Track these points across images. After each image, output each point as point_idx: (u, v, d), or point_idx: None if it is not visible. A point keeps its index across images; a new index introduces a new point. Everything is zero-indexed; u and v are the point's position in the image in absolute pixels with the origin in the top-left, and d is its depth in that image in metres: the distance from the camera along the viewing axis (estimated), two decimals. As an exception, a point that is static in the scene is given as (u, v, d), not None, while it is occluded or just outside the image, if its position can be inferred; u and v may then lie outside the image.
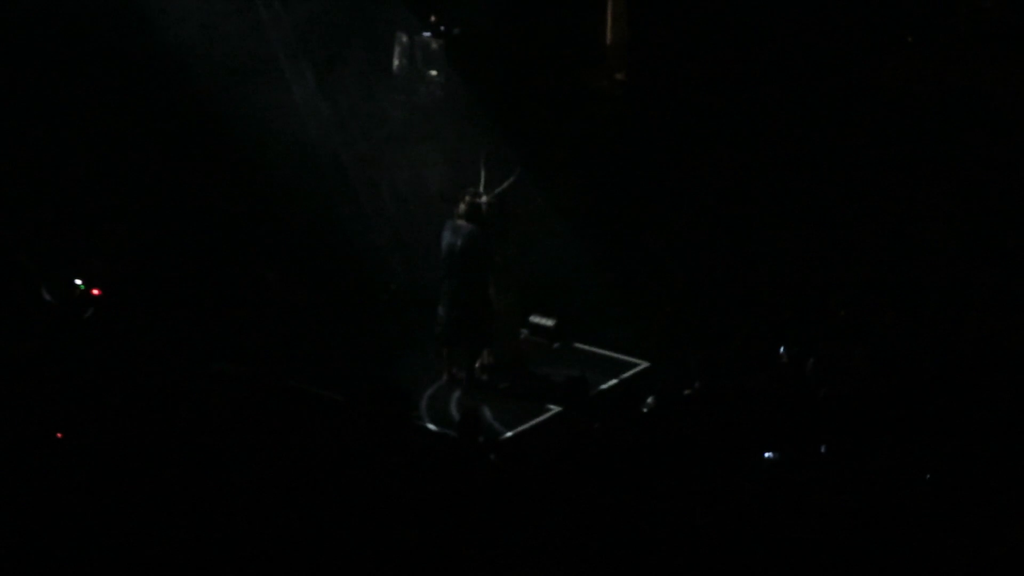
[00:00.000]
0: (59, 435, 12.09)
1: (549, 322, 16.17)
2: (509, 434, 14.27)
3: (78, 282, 14.62)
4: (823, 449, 11.91)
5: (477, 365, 15.28)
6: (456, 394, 15.04)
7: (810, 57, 16.64)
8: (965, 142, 16.05)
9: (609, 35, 17.50)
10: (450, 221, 14.95)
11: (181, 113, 15.82)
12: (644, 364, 15.56)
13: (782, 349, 13.71)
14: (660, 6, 17.26)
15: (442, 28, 16.51)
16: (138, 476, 11.45)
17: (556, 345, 16.12)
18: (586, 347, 16.03)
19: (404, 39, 16.54)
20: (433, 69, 16.55)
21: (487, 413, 14.48)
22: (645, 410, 12.99)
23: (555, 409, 14.63)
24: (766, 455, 11.89)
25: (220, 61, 15.87)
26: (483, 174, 15.08)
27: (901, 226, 16.04)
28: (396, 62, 16.57)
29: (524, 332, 16.12)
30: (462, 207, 14.87)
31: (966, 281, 15.42)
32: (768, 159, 16.65)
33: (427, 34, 16.52)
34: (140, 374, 13.50)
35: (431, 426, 14.42)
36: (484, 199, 14.92)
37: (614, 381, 15.27)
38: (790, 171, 16.60)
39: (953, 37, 16.52)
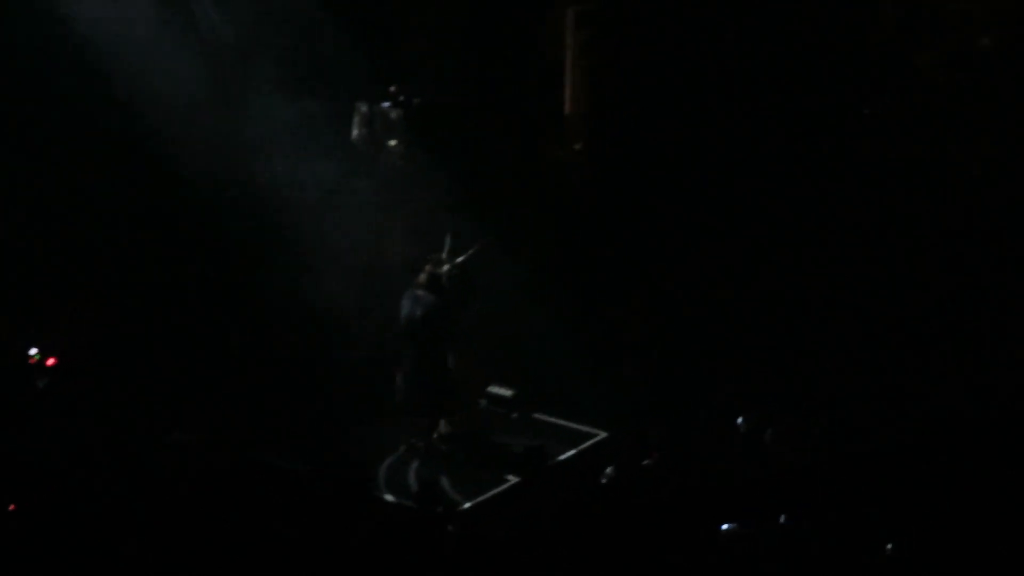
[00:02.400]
0: (11, 507, 11.99)
1: (508, 392, 16.15)
2: (468, 505, 14.20)
3: (33, 351, 14.52)
4: (782, 520, 11.89)
5: (435, 435, 15.23)
6: (415, 464, 14.98)
7: (766, 127, 16.74)
8: (921, 211, 16.17)
9: (568, 105, 17.60)
10: (410, 290, 14.94)
11: (137, 181, 15.79)
12: (603, 434, 15.54)
13: (740, 419, 13.73)
14: (619, 77, 17.36)
15: (402, 98, 16.56)
16: (95, 546, 11.36)
17: (515, 415, 16.09)
18: (545, 417, 16.00)
19: (364, 109, 16.58)
20: (393, 139, 16.60)
21: (446, 483, 14.42)
22: (604, 481, 12.97)
23: (514, 479, 14.57)
24: (724, 526, 11.87)
25: (182, 133, 15.84)
26: (448, 243, 15.09)
27: (861, 297, 16.10)
28: (355, 131, 16.61)
29: (483, 402, 16.08)
30: (422, 277, 14.88)
31: (927, 349, 15.48)
32: (726, 228, 16.71)
33: (387, 104, 16.57)
34: (97, 444, 13.40)
35: (389, 497, 14.34)
36: (445, 268, 14.93)
37: (573, 451, 15.24)
38: (747, 241, 16.66)
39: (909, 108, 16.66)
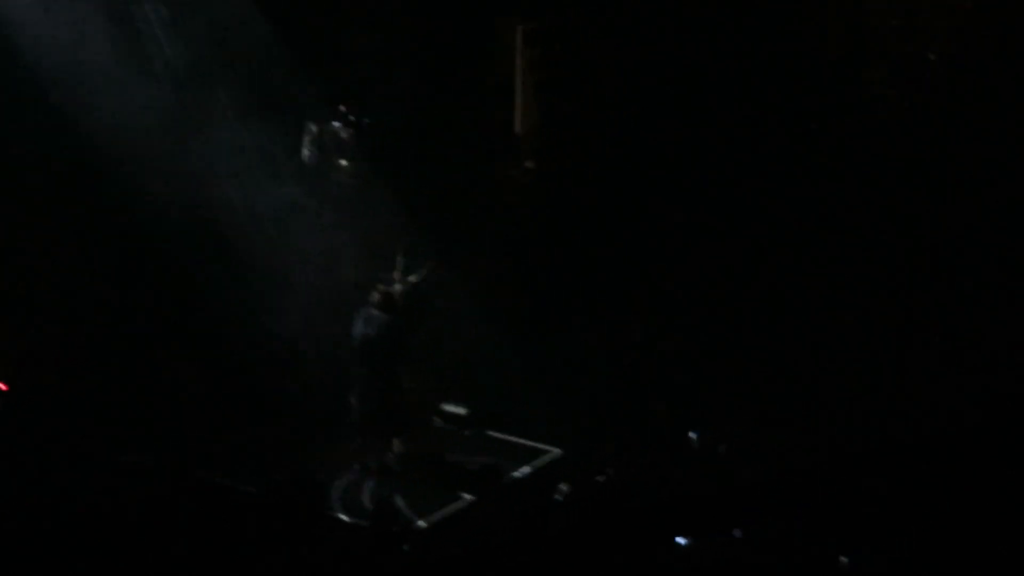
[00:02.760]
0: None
1: (461, 410, 16.15)
2: (423, 523, 14.19)
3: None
4: (737, 534, 11.94)
5: (390, 454, 15.21)
6: (369, 484, 14.95)
7: (714, 142, 16.82)
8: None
9: (518, 124, 17.64)
10: (363, 310, 14.94)
11: (90, 206, 15.73)
12: (556, 451, 15.56)
13: (693, 434, 13.77)
14: (569, 93, 17.42)
15: (351, 118, 16.56)
16: (50, 569, 11.30)
17: (468, 433, 16.09)
18: (499, 435, 16.01)
19: (313, 128, 16.58)
20: (343, 158, 16.59)
21: (401, 502, 14.41)
22: (559, 498, 12.98)
23: (468, 498, 14.57)
24: (679, 541, 11.90)
25: (126, 146, 15.76)
26: (400, 263, 15.09)
27: (814, 308, 16.18)
28: (306, 151, 16.59)
29: (437, 420, 16.08)
30: (375, 296, 14.88)
31: (884, 362, 15.57)
32: (677, 243, 16.78)
33: (337, 123, 16.57)
34: (47, 467, 13.33)
35: (344, 517, 14.31)
36: (398, 288, 14.93)
37: (527, 469, 15.26)
38: (696, 253, 16.73)
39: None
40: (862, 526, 12.06)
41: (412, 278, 15.11)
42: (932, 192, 16.03)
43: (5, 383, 14.55)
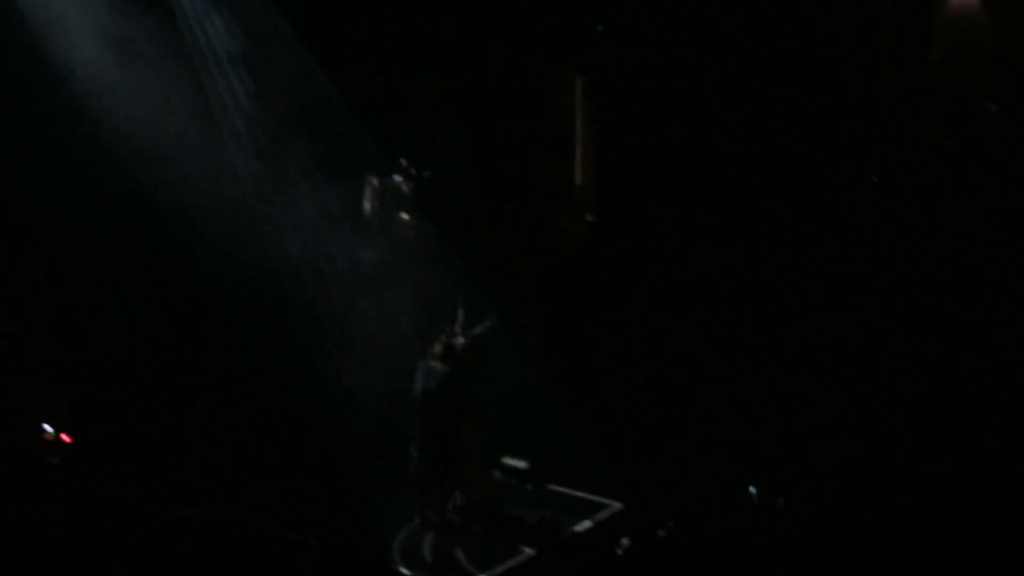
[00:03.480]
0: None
1: (522, 463, 16.14)
2: (483, 577, 14.21)
3: (48, 428, 14.56)
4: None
5: (450, 507, 15.22)
6: (429, 537, 14.96)
7: (774, 195, 16.81)
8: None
9: (578, 176, 17.68)
10: (423, 363, 14.99)
11: (157, 263, 15.92)
12: (618, 505, 15.52)
13: (752, 489, 13.71)
14: (629, 146, 17.44)
15: (412, 171, 16.65)
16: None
17: (529, 486, 16.06)
18: (559, 488, 15.98)
19: (375, 182, 16.68)
20: (404, 211, 16.67)
21: (460, 556, 14.40)
22: (619, 551, 12.95)
23: (529, 551, 14.55)
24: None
25: (190, 198, 15.94)
26: (461, 315, 15.14)
27: (872, 367, 16.13)
28: (367, 204, 16.69)
29: (497, 473, 16.08)
30: (437, 348, 14.92)
31: (930, 416, 15.50)
32: (738, 297, 16.76)
33: (398, 177, 16.67)
34: (109, 520, 13.40)
35: (404, 570, 14.31)
36: (460, 340, 14.97)
37: (588, 523, 15.22)
38: (760, 307, 16.71)
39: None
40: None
41: (472, 331, 15.14)
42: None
43: (69, 435, 14.64)
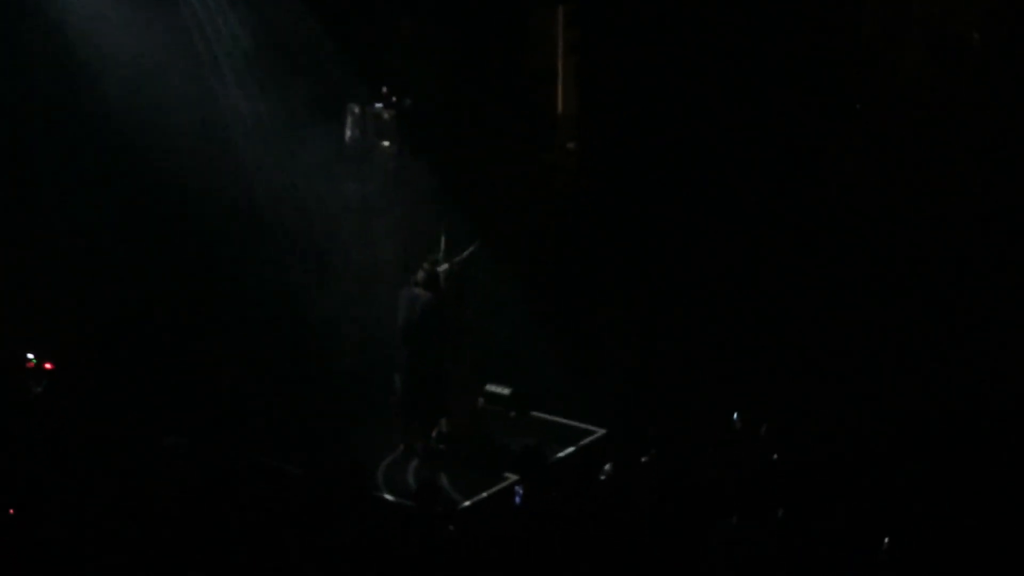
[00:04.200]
0: (11, 511, 11.99)
1: (505, 391, 16.18)
2: (467, 503, 14.24)
3: (30, 356, 14.53)
4: (780, 515, 11.92)
5: (434, 434, 15.25)
6: (413, 464, 15.01)
7: (760, 124, 16.76)
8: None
9: (560, 105, 17.61)
10: (406, 290, 14.96)
11: (135, 189, 15.84)
12: (601, 431, 15.57)
13: (736, 415, 13.76)
14: (611, 74, 17.37)
15: (394, 99, 16.57)
16: (89, 550, 11.37)
17: (512, 413, 16.11)
18: (543, 415, 16.04)
19: (356, 110, 16.60)
20: (385, 140, 16.61)
21: (444, 482, 14.45)
22: (603, 478, 12.98)
23: (512, 478, 14.59)
24: (721, 522, 11.88)
25: (172, 129, 15.86)
26: (443, 243, 15.10)
27: (857, 294, 16.14)
28: (348, 133, 16.63)
29: (480, 401, 16.10)
30: (420, 275, 14.89)
31: (923, 346, 15.53)
32: (720, 226, 16.75)
33: (379, 105, 16.58)
34: (93, 449, 13.40)
35: (388, 497, 14.36)
36: (443, 268, 14.95)
37: (571, 449, 15.27)
38: (743, 238, 16.70)
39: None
40: (906, 509, 12.03)
41: (455, 259, 15.12)
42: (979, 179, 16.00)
43: (52, 363, 14.62)
